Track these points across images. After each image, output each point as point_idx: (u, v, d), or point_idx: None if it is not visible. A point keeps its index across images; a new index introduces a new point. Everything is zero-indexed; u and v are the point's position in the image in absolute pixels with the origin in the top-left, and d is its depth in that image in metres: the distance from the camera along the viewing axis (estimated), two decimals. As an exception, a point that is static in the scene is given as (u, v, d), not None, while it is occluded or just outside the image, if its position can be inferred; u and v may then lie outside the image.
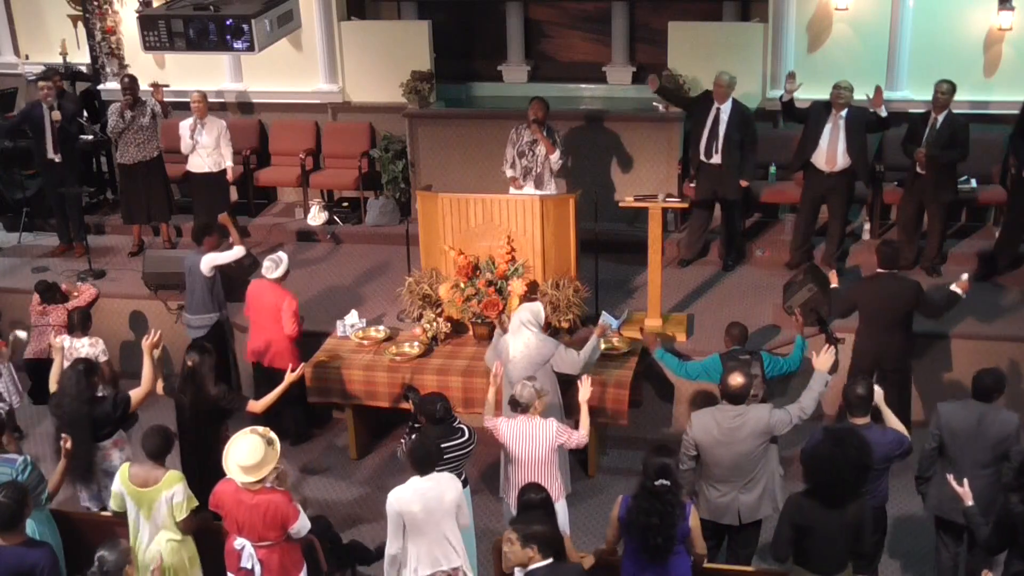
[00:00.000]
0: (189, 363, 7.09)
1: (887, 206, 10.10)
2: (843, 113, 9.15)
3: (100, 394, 7.32)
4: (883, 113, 9.10)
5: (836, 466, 5.52)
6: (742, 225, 10.21)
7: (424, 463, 5.96)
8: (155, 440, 6.17)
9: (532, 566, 5.04)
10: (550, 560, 5.05)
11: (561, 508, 6.64)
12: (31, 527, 6.15)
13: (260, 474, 5.89)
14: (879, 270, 7.82)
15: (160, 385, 7.37)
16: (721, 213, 9.95)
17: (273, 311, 8.35)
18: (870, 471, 5.75)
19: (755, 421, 6.30)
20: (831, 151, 9.20)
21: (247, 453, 5.88)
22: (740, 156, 9.46)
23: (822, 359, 6.68)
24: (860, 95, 9.28)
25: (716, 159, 9.49)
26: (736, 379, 6.32)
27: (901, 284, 7.78)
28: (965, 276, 7.76)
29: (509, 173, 9.46)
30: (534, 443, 6.49)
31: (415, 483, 5.94)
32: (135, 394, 7.10)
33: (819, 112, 9.24)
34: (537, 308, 7.57)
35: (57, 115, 10.31)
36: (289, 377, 7.32)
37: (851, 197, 9.56)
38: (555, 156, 9.32)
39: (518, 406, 6.53)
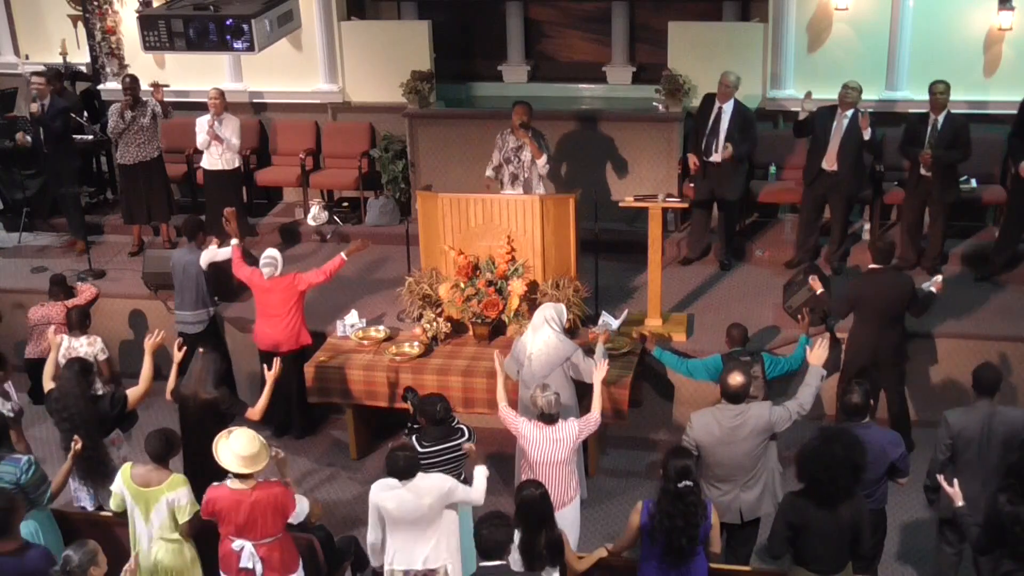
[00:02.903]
0: (197, 364, 7.07)
1: (887, 206, 10.10)
2: (848, 113, 9.16)
3: (99, 392, 7.30)
4: (866, 136, 9.11)
5: (824, 464, 5.51)
6: (738, 225, 10.21)
7: (396, 473, 5.91)
8: (158, 442, 6.14)
9: (482, 563, 5.24)
10: (499, 562, 5.20)
11: (573, 507, 6.66)
12: (32, 526, 6.16)
13: (256, 466, 5.88)
14: (873, 266, 7.81)
15: (169, 389, 7.35)
16: (718, 213, 9.95)
17: (283, 299, 8.39)
18: (862, 471, 5.69)
19: (756, 419, 6.32)
20: (832, 150, 9.22)
21: (245, 444, 5.88)
22: (742, 150, 9.49)
23: (816, 353, 6.71)
24: (862, 96, 9.28)
25: (715, 157, 9.49)
26: (736, 379, 6.33)
27: (897, 280, 7.79)
28: (940, 277, 7.80)
29: (488, 173, 9.32)
30: (557, 446, 6.49)
31: (393, 483, 5.94)
32: (132, 392, 7.08)
33: (824, 117, 9.26)
34: (561, 307, 7.63)
35: (34, 107, 10.33)
36: (271, 375, 7.13)
37: (852, 196, 9.56)
38: (542, 161, 9.10)
39: (550, 418, 6.48)
